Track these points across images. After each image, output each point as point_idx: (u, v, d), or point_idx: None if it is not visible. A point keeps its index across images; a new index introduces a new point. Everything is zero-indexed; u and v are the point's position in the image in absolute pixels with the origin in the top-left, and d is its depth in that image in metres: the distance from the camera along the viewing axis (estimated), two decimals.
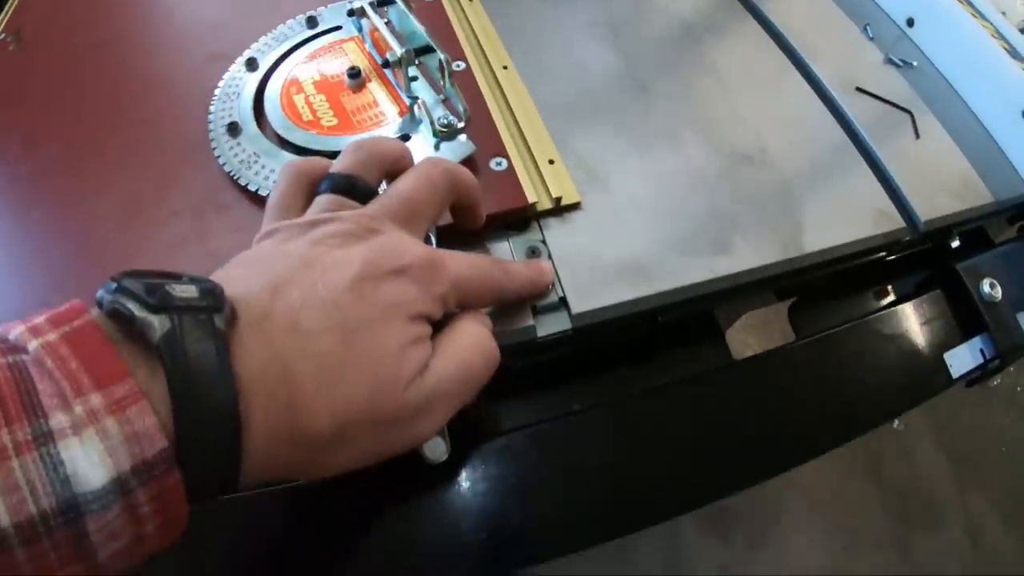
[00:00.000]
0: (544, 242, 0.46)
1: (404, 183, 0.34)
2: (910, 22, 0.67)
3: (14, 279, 0.48)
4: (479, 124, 0.49)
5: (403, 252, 0.29)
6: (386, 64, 0.47)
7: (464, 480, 0.42)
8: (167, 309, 0.23)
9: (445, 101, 0.48)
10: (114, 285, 0.23)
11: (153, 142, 0.53)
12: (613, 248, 0.46)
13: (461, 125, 0.46)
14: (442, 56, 0.45)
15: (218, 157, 0.48)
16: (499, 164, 0.47)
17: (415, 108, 0.48)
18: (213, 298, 0.24)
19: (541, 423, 0.45)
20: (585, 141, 0.52)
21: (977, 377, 0.56)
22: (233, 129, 0.49)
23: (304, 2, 0.60)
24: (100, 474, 0.20)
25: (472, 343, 0.32)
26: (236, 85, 0.52)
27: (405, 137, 0.47)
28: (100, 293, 0.24)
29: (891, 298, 0.60)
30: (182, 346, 0.22)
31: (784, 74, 0.61)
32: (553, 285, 0.44)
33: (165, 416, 0.22)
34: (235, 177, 0.47)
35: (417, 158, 0.44)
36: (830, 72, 0.61)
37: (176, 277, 0.25)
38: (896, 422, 1.16)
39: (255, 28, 0.58)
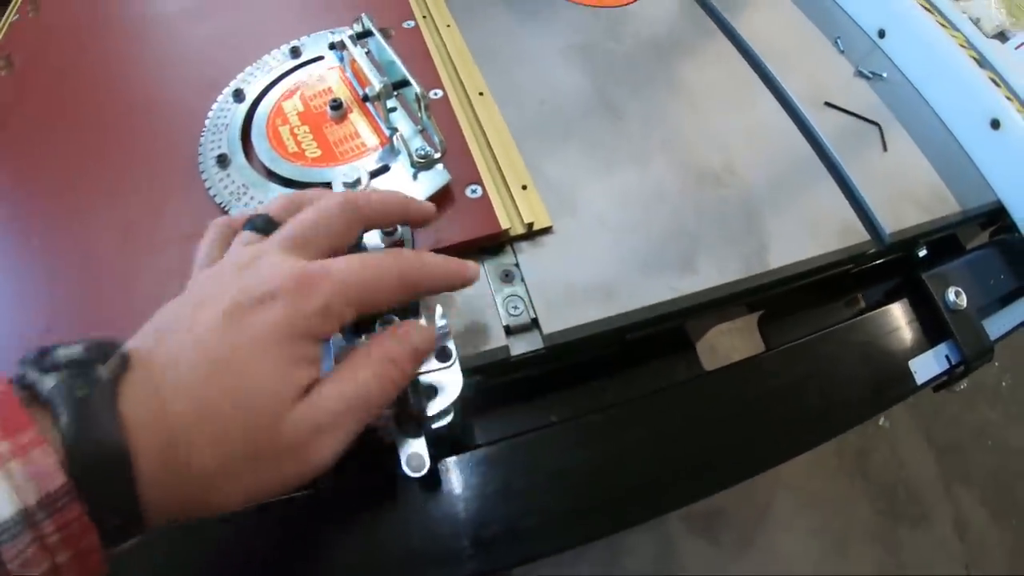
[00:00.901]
0: (517, 265, 0.50)
1: (299, 214, 0.35)
2: (881, 33, 0.70)
3: (15, 305, 0.51)
4: (455, 152, 0.52)
5: (272, 276, 0.30)
6: (366, 98, 0.51)
7: (445, 490, 0.46)
8: (55, 368, 0.26)
9: (422, 132, 0.51)
10: (25, 357, 0.27)
11: (145, 171, 0.56)
12: (582, 269, 0.50)
13: (437, 155, 0.50)
14: (418, 90, 0.49)
15: (208, 188, 0.52)
16: (474, 192, 0.50)
17: (394, 139, 0.52)
18: (99, 351, 0.27)
19: (519, 435, 0.49)
20: (556, 164, 0.55)
21: (944, 382, 0.60)
22: (222, 161, 0.53)
23: (288, 30, 0.64)
24: (9, 508, 0.23)
25: (369, 365, 0.32)
26: (224, 116, 0.56)
27: (385, 168, 0.51)
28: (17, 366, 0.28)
29: (860, 306, 0.64)
30: (69, 395, 0.25)
31: (753, 90, 0.64)
32: (524, 302, 0.48)
33: (64, 456, 0.25)
34: (225, 208, 0.51)
35: (396, 187, 0.48)
36: (799, 87, 0.64)
37: (78, 342, 0.28)
38: (882, 419, 1.20)
39: (242, 58, 0.61)
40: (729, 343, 1.23)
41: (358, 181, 0.49)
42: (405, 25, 0.63)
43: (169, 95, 0.63)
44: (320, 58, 0.59)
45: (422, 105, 0.49)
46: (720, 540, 1.12)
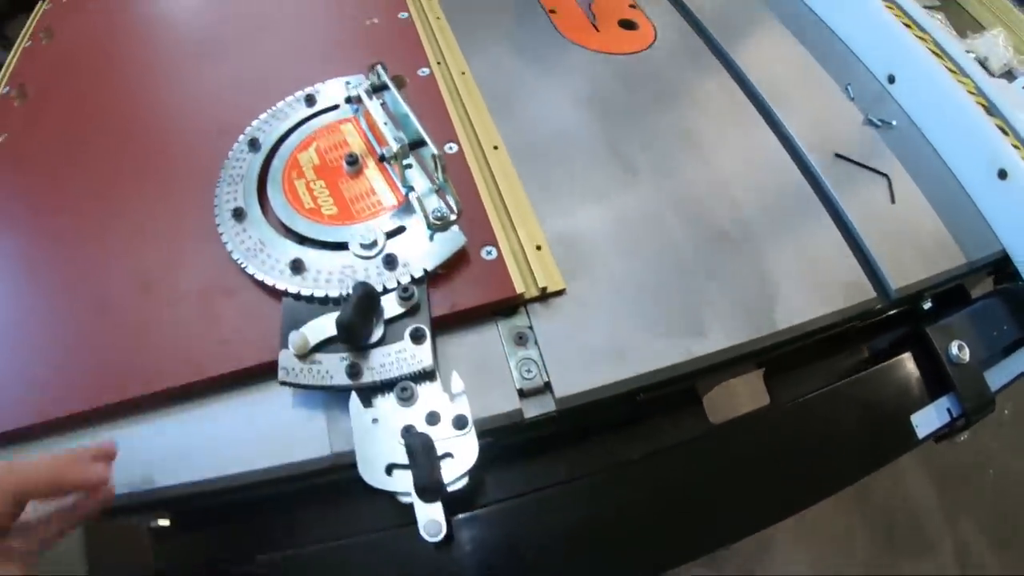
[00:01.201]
0: (531, 328, 0.51)
1: None
2: (891, 79, 0.71)
3: (29, 345, 0.52)
4: (470, 210, 0.53)
5: None
6: (383, 158, 0.52)
7: (462, 548, 0.48)
8: None
9: (438, 191, 0.53)
10: None
11: (162, 217, 0.57)
12: (595, 331, 0.51)
13: (454, 217, 0.51)
14: (435, 151, 0.50)
15: (225, 242, 0.53)
16: (489, 253, 0.51)
17: (410, 197, 0.53)
18: None
19: (528, 494, 0.50)
20: (569, 221, 0.56)
21: (945, 434, 0.61)
22: (239, 215, 0.54)
23: (303, 75, 0.64)
24: None
25: None
26: (240, 166, 0.57)
27: (401, 228, 0.52)
28: None
29: (863, 355, 0.65)
30: None
31: (763, 141, 0.64)
32: (537, 366, 0.50)
33: None
34: (242, 265, 0.51)
35: (412, 249, 0.49)
36: (810, 137, 0.65)
37: None
38: None
39: (256, 103, 0.61)
40: (732, 387, 1.23)
41: (374, 243, 0.50)
42: (420, 73, 0.64)
43: (183, 137, 0.63)
44: (335, 107, 0.60)
45: (439, 166, 0.50)
46: (723, 571, 1.14)
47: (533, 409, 0.49)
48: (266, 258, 0.51)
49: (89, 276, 0.55)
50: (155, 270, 0.54)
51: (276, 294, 0.50)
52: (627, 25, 0.75)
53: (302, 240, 0.52)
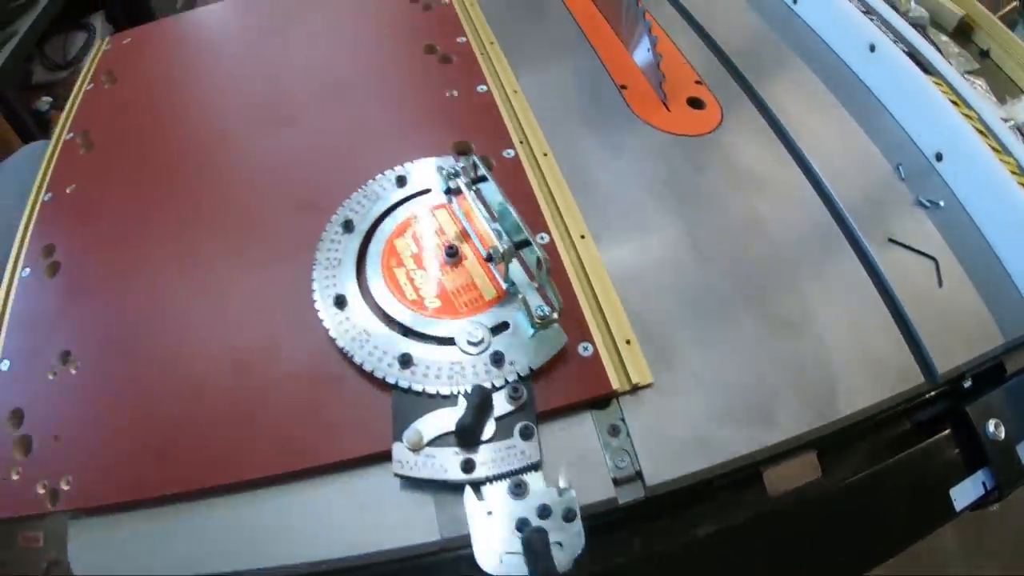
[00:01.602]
0: (623, 420, 0.55)
1: None
2: (939, 157, 0.75)
3: (124, 422, 0.55)
4: (566, 305, 0.56)
5: None
6: (489, 259, 0.55)
7: None
8: None
9: (539, 289, 0.56)
10: None
11: (250, 294, 0.59)
12: (678, 422, 0.54)
13: (556, 316, 0.55)
14: (540, 254, 0.53)
15: (328, 329, 0.55)
16: (585, 349, 0.55)
17: (511, 292, 0.55)
18: None
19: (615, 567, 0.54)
20: (650, 311, 0.59)
21: (979, 504, 0.67)
22: (340, 302, 0.56)
23: (388, 153, 0.66)
24: None
25: None
26: (336, 249, 0.59)
27: (504, 325, 0.55)
28: None
29: (904, 428, 0.70)
30: None
31: (825, 229, 0.68)
32: (630, 455, 0.54)
33: None
34: (347, 353, 0.53)
35: (516, 346, 0.52)
36: (867, 223, 0.68)
37: None
38: None
39: (339, 177, 0.63)
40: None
41: (481, 340, 0.54)
42: (505, 154, 0.66)
43: (264, 205, 0.64)
44: (427, 190, 0.62)
45: (544, 269, 0.53)
46: None
47: (625, 496, 0.53)
48: (373, 349, 0.54)
49: (179, 353, 0.57)
50: (250, 351, 0.56)
51: (382, 384, 0.53)
52: (695, 104, 0.77)
53: (406, 331, 0.55)
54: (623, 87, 0.76)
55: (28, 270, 0.67)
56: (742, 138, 0.74)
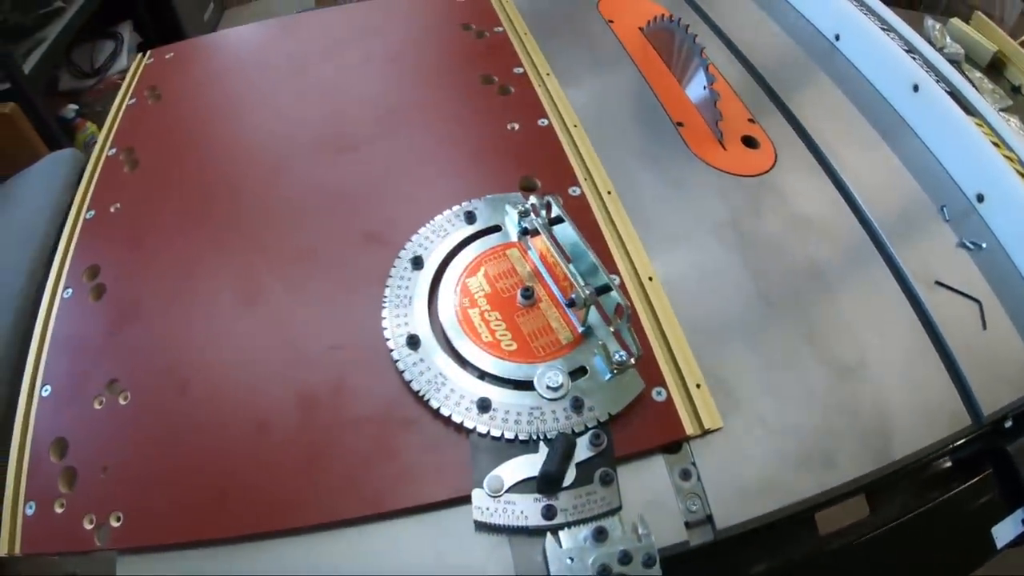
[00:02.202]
0: (694, 464, 0.58)
1: None
2: (980, 198, 0.77)
3: (187, 459, 0.55)
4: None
5: None
6: (571, 304, 0.56)
7: None
8: None
9: (615, 333, 0.57)
10: None
11: (314, 327, 0.59)
12: (746, 467, 0.55)
13: (633, 361, 0.56)
14: (622, 301, 0.53)
15: (402, 371, 0.55)
16: (659, 394, 0.55)
17: (587, 337, 0.56)
18: None
19: None
20: (717, 355, 0.60)
21: (1018, 542, 0.70)
22: (413, 342, 0.56)
23: (448, 182, 0.67)
24: None
25: None
26: (406, 287, 0.60)
27: (582, 370, 0.56)
28: None
29: (947, 466, 0.73)
30: None
31: (876, 272, 0.70)
32: (701, 500, 0.56)
33: None
34: (423, 396, 0.54)
35: (595, 392, 0.53)
36: (914, 265, 0.70)
37: None
38: None
39: (406, 212, 0.63)
40: None
41: (561, 386, 0.56)
42: (571, 192, 0.67)
43: (325, 235, 0.64)
44: (497, 227, 0.63)
45: (624, 315, 0.54)
46: None
47: (696, 539, 0.54)
48: (450, 392, 0.54)
49: (239, 388, 0.57)
50: (318, 388, 0.56)
51: (459, 428, 0.54)
52: (750, 143, 0.78)
53: (482, 374, 0.56)
54: (680, 124, 0.77)
55: (71, 290, 0.66)
56: (795, 179, 0.75)
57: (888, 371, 0.63)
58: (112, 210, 0.71)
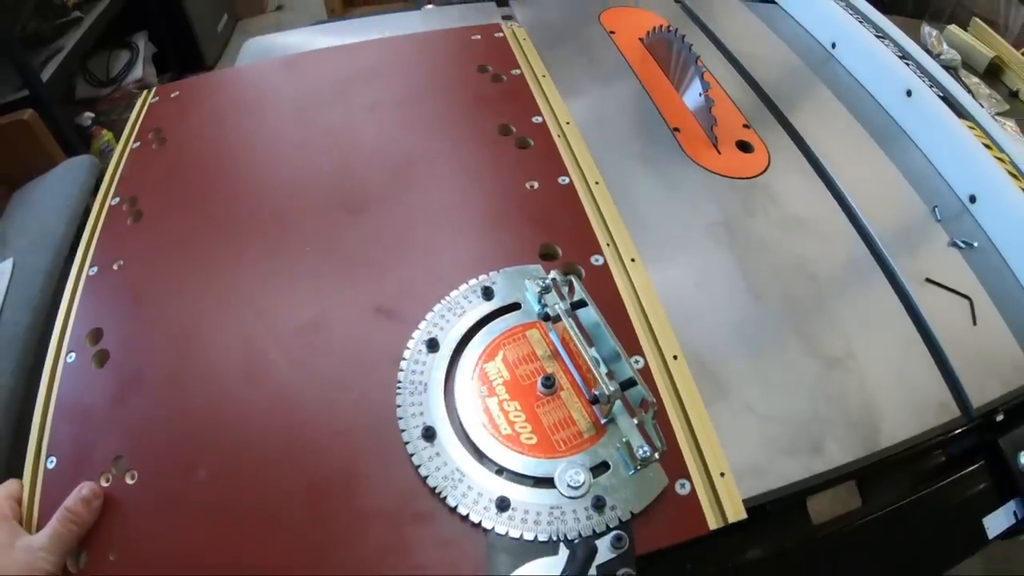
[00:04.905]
0: None
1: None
2: (972, 199, 0.59)
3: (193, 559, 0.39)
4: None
5: None
6: (595, 400, 0.38)
7: None
8: None
9: (639, 426, 0.39)
10: None
11: (323, 412, 0.42)
12: (733, 452, 0.42)
13: (657, 456, 0.38)
14: (647, 396, 0.37)
15: (418, 466, 0.39)
16: (683, 487, 0.39)
17: (610, 430, 0.39)
18: None
19: None
20: (708, 347, 0.46)
21: (1009, 533, 0.54)
22: (429, 434, 0.40)
23: (463, 248, 0.47)
24: None
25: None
26: (420, 372, 0.42)
27: (604, 465, 0.39)
28: None
29: (939, 458, 0.56)
30: None
31: (867, 270, 0.54)
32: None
33: None
34: (439, 492, 0.38)
35: (616, 489, 0.37)
36: (906, 263, 0.54)
37: None
38: None
39: (419, 284, 0.46)
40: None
41: (583, 484, 0.37)
42: (594, 262, 0.48)
43: (339, 313, 0.47)
44: (516, 305, 0.44)
45: (651, 412, 0.37)
46: None
47: None
48: (467, 490, 0.39)
49: (246, 477, 0.40)
50: (328, 479, 0.40)
51: (475, 526, 0.38)
52: (744, 147, 0.61)
53: (500, 470, 0.39)
54: (676, 129, 0.60)
55: (74, 355, 0.48)
56: (789, 182, 0.59)
57: (876, 363, 0.49)
58: (115, 267, 0.52)
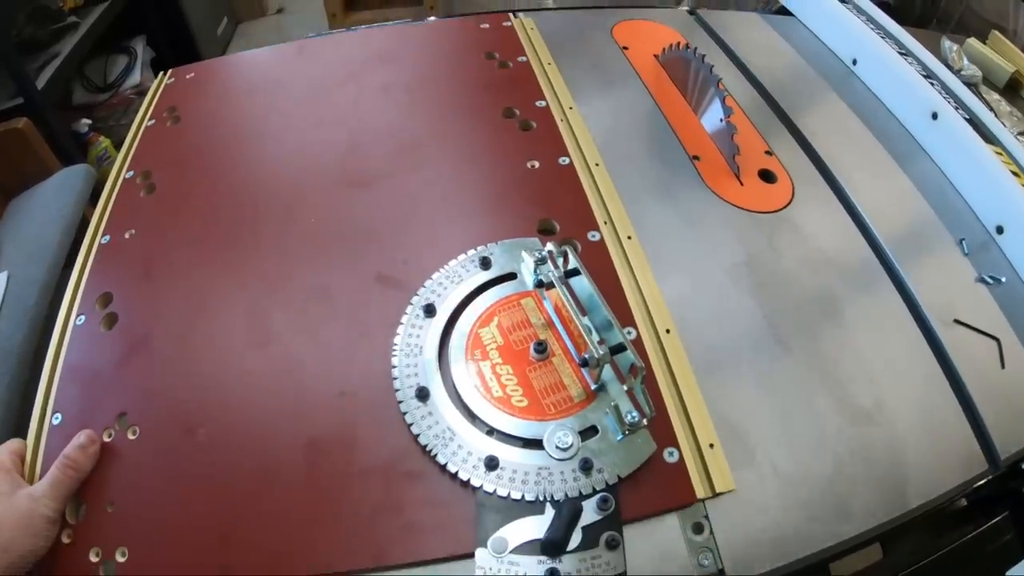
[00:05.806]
0: (707, 517, 0.48)
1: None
2: (999, 229, 0.67)
3: (188, 506, 0.48)
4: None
5: None
6: (584, 364, 0.47)
7: None
8: None
9: (629, 392, 0.49)
10: None
11: (322, 372, 0.52)
12: (760, 519, 0.49)
13: (646, 422, 0.47)
14: (636, 362, 0.46)
15: (410, 424, 0.48)
16: (671, 455, 0.48)
17: (600, 395, 0.49)
18: None
19: None
20: (732, 404, 0.53)
21: None
22: (422, 394, 0.49)
23: (462, 222, 0.58)
24: None
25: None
26: (417, 335, 0.52)
27: (593, 429, 0.48)
28: None
29: (961, 506, 0.63)
30: None
31: (895, 312, 0.61)
32: (713, 554, 0.47)
33: None
34: (430, 451, 0.47)
35: (604, 453, 0.46)
36: (933, 302, 0.61)
37: None
38: None
39: (419, 253, 0.56)
40: None
41: (571, 446, 0.46)
42: (591, 237, 0.59)
43: (340, 280, 0.57)
44: (512, 275, 0.55)
45: (639, 377, 0.46)
46: None
47: None
48: (457, 449, 0.48)
49: (246, 433, 0.50)
50: (325, 437, 0.49)
51: (465, 484, 0.47)
52: (766, 176, 0.69)
53: (491, 430, 0.48)
54: (695, 158, 0.68)
55: (83, 317, 0.59)
56: (813, 216, 0.66)
57: (904, 414, 0.55)
58: (127, 236, 0.64)
